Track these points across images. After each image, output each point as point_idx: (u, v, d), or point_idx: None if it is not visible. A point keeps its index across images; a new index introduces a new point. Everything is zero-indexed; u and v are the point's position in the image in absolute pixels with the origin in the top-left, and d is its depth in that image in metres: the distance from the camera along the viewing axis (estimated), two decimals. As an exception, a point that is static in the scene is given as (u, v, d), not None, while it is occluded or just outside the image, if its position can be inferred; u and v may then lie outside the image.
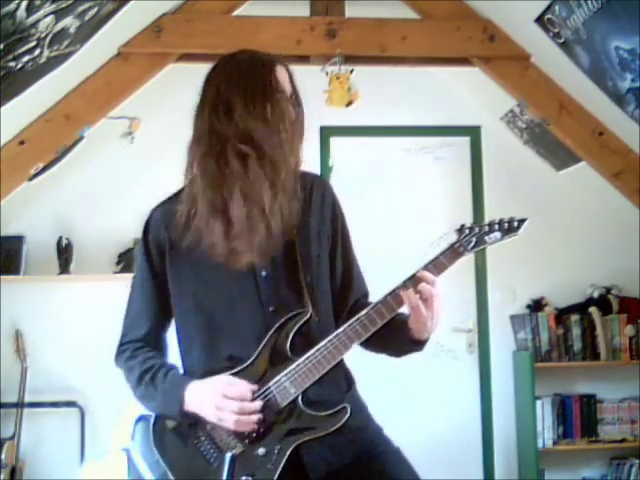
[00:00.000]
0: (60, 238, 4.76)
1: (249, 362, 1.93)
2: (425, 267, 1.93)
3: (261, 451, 1.89)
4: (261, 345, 1.93)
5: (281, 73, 2.03)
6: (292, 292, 1.97)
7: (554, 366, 4.93)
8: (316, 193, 2.07)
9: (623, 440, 4.89)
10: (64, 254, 4.75)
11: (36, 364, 4.71)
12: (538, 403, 4.83)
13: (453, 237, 1.99)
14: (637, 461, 4.83)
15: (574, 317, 4.96)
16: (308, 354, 1.90)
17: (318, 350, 1.90)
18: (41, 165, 4.36)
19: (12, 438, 4.57)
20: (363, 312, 1.92)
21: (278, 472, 1.87)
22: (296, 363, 1.90)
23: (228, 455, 1.88)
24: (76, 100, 4.27)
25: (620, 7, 3.48)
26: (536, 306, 5.06)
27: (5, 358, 4.72)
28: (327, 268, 2.05)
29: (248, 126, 1.92)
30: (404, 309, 1.96)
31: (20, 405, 4.60)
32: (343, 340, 1.91)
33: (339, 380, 2.02)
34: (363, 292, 2.12)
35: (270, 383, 1.91)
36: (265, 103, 1.95)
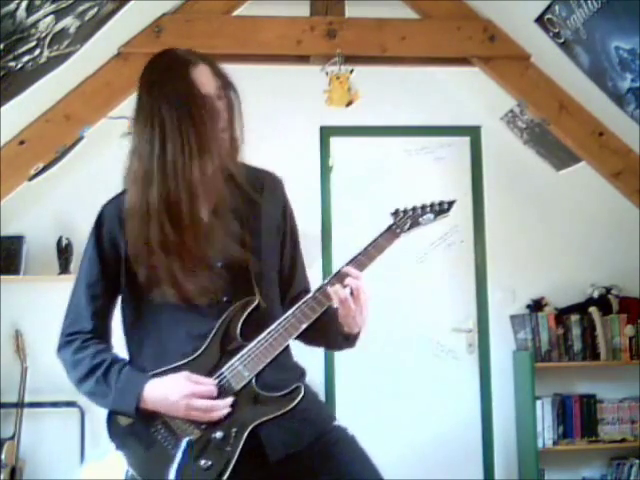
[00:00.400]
0: (60, 238, 4.76)
1: (199, 352, 1.96)
2: (365, 249, 2.03)
3: (218, 435, 1.92)
4: (211, 334, 1.96)
5: (201, 76, 2.00)
6: (245, 282, 2.01)
7: (554, 366, 4.93)
8: (268, 189, 2.13)
9: (623, 440, 4.90)
10: (64, 254, 4.75)
11: (36, 364, 4.71)
12: (538, 403, 4.83)
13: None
14: (637, 461, 4.84)
15: (574, 317, 4.96)
16: (259, 338, 1.95)
17: (269, 333, 1.95)
18: (41, 165, 4.36)
19: (12, 438, 4.57)
20: (310, 295, 1.98)
21: (236, 454, 1.90)
22: (248, 347, 1.95)
23: (184, 440, 1.91)
24: (76, 100, 4.26)
25: (620, 7, 3.48)
26: (536, 306, 5.06)
27: (5, 358, 4.72)
28: (276, 259, 2.11)
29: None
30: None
31: (20, 405, 4.60)
32: (292, 322, 1.96)
33: (292, 369, 2.08)
34: (304, 287, 2.18)
35: (223, 368, 1.95)
36: (194, 123, 1.96)
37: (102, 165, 4.89)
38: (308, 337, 2.05)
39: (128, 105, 4.43)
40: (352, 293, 1.97)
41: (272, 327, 1.96)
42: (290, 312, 1.97)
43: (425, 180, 5.24)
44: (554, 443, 4.85)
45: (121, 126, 4.62)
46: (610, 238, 5.12)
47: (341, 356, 4.54)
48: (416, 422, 4.95)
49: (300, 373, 2.10)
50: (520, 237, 5.15)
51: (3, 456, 4.52)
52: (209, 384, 1.93)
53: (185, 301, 1.97)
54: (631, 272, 5.05)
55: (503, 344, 5.11)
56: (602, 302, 5.02)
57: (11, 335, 4.75)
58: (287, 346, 2.00)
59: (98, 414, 5.08)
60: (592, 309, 4.97)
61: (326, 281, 1.99)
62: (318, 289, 1.99)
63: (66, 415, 4.76)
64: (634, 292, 5.07)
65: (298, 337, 2.01)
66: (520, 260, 5.04)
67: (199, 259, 1.97)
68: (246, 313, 1.97)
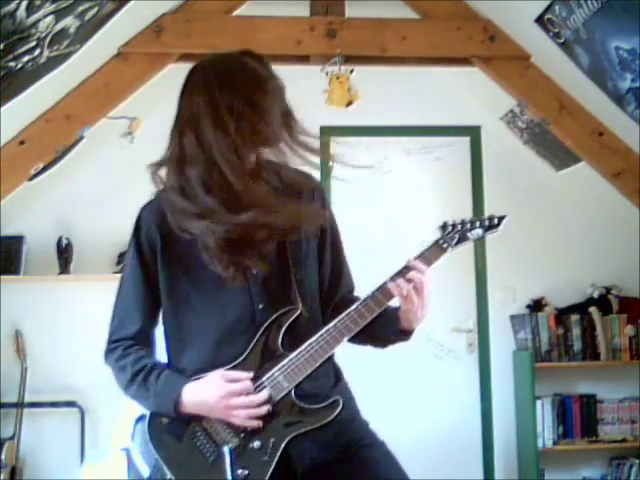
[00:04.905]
0: (60, 238, 4.76)
1: (241, 358, 1.95)
2: (392, 279, 1.98)
3: (256, 444, 1.92)
4: (253, 342, 1.95)
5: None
6: (282, 289, 1.99)
7: (554, 366, 4.93)
8: (306, 191, 2.10)
9: (623, 440, 4.89)
10: (64, 254, 4.75)
11: (36, 364, 4.70)
12: (538, 403, 4.83)
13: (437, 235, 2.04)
14: (637, 461, 4.83)
15: (574, 317, 4.96)
16: (300, 349, 1.94)
17: (310, 345, 1.94)
18: (41, 165, 4.36)
19: (12, 438, 4.56)
20: (353, 307, 1.97)
21: (273, 465, 1.90)
22: (289, 358, 1.94)
23: (226, 448, 1.90)
24: (76, 100, 4.27)
25: (620, 7, 3.48)
26: (536, 306, 5.06)
27: (5, 358, 4.72)
28: (315, 265, 2.08)
29: None
30: (394, 302, 2.01)
31: (20, 405, 4.60)
32: (334, 335, 1.96)
33: (328, 374, 2.05)
34: (349, 288, 2.17)
35: (263, 378, 1.94)
36: None
37: (102, 165, 4.90)
38: (357, 335, 2.02)
39: (128, 105, 4.44)
40: (415, 287, 1.96)
41: (314, 338, 1.94)
42: (332, 324, 1.96)
43: (425, 180, 5.24)
44: (554, 443, 4.85)
45: (121, 126, 4.63)
46: (610, 238, 5.12)
47: (340, 356, 4.50)
48: (416, 422, 4.95)
49: (336, 378, 2.08)
50: (520, 237, 5.14)
51: (3, 456, 4.52)
52: (244, 378, 1.92)
53: (215, 304, 1.97)
54: (631, 272, 5.05)
55: (503, 344, 5.11)
56: (602, 302, 5.02)
57: (11, 335, 4.75)
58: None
59: (98, 414, 5.05)
60: (592, 309, 4.96)
61: (369, 294, 1.97)
62: (361, 302, 1.97)
63: (66, 415, 4.75)
64: (634, 292, 5.07)
65: None
66: (520, 260, 5.04)
67: (234, 263, 1.95)
68: (288, 322, 1.96)
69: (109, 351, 2.06)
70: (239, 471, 1.90)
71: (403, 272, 1.97)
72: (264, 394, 1.91)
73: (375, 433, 2.07)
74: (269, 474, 1.89)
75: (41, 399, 4.71)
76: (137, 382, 1.99)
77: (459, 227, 2.04)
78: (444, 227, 2.05)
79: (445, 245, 2.03)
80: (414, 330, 2.05)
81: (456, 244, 2.03)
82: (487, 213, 2.14)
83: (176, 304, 2.02)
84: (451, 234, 2.03)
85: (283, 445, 1.91)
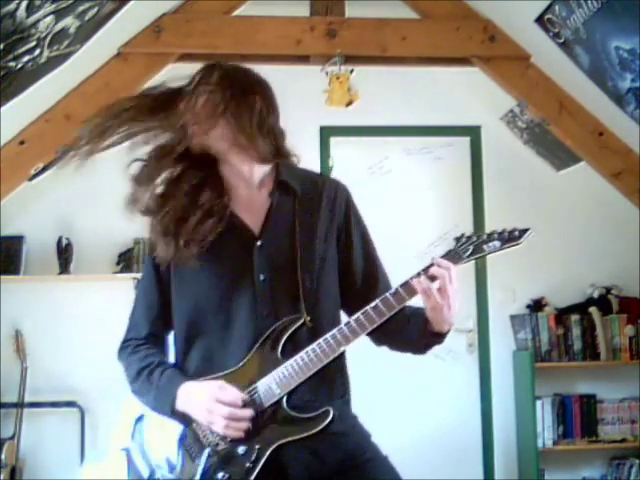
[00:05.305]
0: (60, 238, 4.76)
1: (239, 365, 1.95)
2: (417, 275, 1.91)
3: (241, 449, 1.90)
4: (253, 349, 1.95)
5: None
6: (289, 296, 1.98)
7: (554, 366, 4.93)
8: (326, 194, 2.09)
9: (623, 440, 4.89)
10: (64, 254, 4.75)
11: (36, 364, 4.70)
12: (538, 403, 4.83)
13: (454, 236, 1.99)
14: (637, 461, 4.83)
15: (574, 317, 4.96)
16: (296, 356, 1.92)
17: (306, 353, 1.92)
18: (41, 165, 4.36)
19: (12, 438, 4.57)
20: (353, 317, 1.93)
21: (256, 471, 1.88)
22: (283, 365, 1.92)
23: (206, 451, 1.90)
24: (76, 100, 4.27)
25: (620, 7, 3.48)
26: (536, 306, 5.06)
27: (5, 358, 4.72)
28: (334, 269, 2.06)
29: None
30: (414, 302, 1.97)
31: (20, 405, 4.60)
32: (330, 344, 1.92)
33: (331, 386, 2.03)
34: (386, 292, 2.10)
35: (257, 383, 1.93)
36: None
37: (102, 165, 4.89)
38: (392, 343, 2.05)
39: (128, 105, 4.43)
40: (439, 288, 1.87)
41: (310, 347, 1.92)
42: (330, 334, 1.92)
43: (425, 180, 5.24)
44: (554, 443, 4.85)
45: (121, 126, 4.62)
46: (610, 238, 5.12)
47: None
48: (416, 422, 4.95)
49: (341, 392, 2.05)
50: (520, 237, 5.14)
51: (3, 456, 4.52)
52: (233, 392, 1.91)
53: (222, 310, 1.98)
54: (631, 272, 5.05)
55: (503, 344, 5.11)
56: (602, 302, 5.02)
57: (11, 335, 4.75)
58: (334, 365, 1.95)
59: (98, 414, 5.05)
60: (592, 309, 4.96)
61: (391, 290, 1.93)
62: (379, 300, 1.92)
63: (66, 415, 4.75)
64: (634, 292, 5.07)
65: (381, 343, 2.03)
66: (520, 260, 5.03)
67: (242, 272, 1.97)
68: (290, 331, 1.95)
69: (122, 348, 2.11)
70: (220, 475, 1.89)
71: (427, 269, 1.90)
72: (247, 412, 1.89)
73: (377, 447, 2.04)
74: None
75: (41, 399, 4.71)
76: (142, 377, 2.01)
77: (474, 239, 1.93)
78: (459, 239, 1.95)
79: (456, 257, 1.92)
80: (446, 333, 1.99)
81: (469, 256, 1.92)
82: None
83: (185, 308, 2.04)
84: (465, 245, 1.93)
85: (268, 453, 1.88)
